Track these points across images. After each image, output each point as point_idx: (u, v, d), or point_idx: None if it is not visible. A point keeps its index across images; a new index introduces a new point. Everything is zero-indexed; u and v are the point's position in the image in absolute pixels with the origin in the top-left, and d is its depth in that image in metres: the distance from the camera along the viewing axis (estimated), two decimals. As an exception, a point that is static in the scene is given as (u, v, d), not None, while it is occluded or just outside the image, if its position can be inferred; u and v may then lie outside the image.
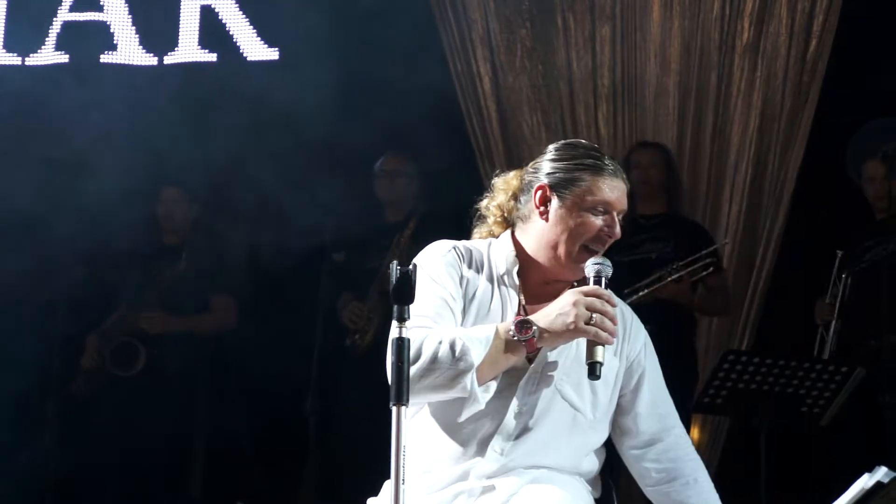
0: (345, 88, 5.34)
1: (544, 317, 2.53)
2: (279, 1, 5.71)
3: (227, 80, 5.77)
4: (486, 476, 2.59)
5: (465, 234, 2.80)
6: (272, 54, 5.91)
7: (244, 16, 5.90)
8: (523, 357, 2.55)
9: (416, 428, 2.62)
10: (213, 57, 5.94)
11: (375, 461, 2.69)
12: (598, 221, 2.63)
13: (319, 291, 5.16)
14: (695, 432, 5.43)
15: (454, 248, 2.68)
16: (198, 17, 5.92)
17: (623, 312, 2.71)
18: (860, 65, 5.17)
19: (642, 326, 2.77)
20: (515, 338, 2.50)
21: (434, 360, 2.49)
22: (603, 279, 2.56)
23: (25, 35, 5.89)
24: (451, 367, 2.47)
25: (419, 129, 5.22)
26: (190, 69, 5.86)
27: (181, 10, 5.92)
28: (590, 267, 2.58)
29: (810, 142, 5.45)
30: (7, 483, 4.88)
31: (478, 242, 2.74)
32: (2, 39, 5.98)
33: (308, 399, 4.99)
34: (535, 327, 2.51)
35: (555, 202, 2.64)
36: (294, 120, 5.14)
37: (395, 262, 2.42)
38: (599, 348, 2.50)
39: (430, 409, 2.64)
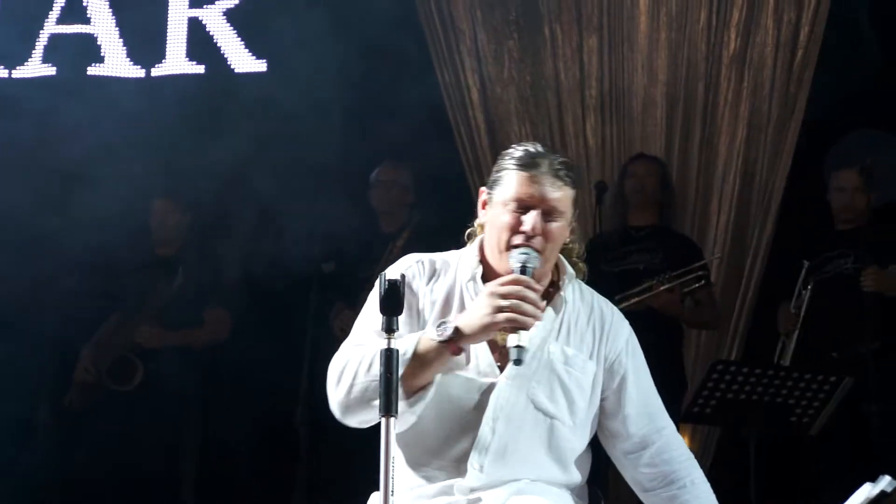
0: (335, 100, 5.34)
1: (465, 315, 2.52)
2: (267, 13, 5.70)
3: (221, 92, 5.77)
4: (469, 490, 2.58)
5: (458, 244, 2.80)
6: (260, 66, 5.91)
7: (231, 27, 5.90)
8: (448, 359, 2.50)
9: (399, 443, 2.61)
10: (201, 69, 5.94)
11: (365, 473, 2.68)
12: (509, 218, 2.58)
13: (309, 302, 5.16)
14: (685, 441, 5.42)
15: (415, 263, 2.68)
16: (185, 29, 5.91)
17: (602, 312, 2.69)
18: (846, 75, 5.18)
19: (625, 325, 2.74)
20: (439, 338, 2.49)
21: (348, 369, 2.52)
22: (529, 268, 2.52)
23: (12, 47, 5.88)
24: (373, 378, 2.46)
25: (409, 140, 5.24)
26: (185, 80, 5.85)
27: (168, 23, 5.91)
28: (514, 257, 2.55)
29: (797, 152, 5.46)
30: (4, 492, 4.86)
31: (450, 254, 2.74)
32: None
33: (298, 410, 4.99)
34: (450, 325, 2.49)
35: (490, 204, 2.65)
36: (287, 132, 5.14)
37: (383, 272, 2.43)
38: (517, 334, 2.46)
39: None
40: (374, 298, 2.62)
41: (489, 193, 2.64)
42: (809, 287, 4.87)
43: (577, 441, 2.67)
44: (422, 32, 5.78)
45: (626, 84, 5.71)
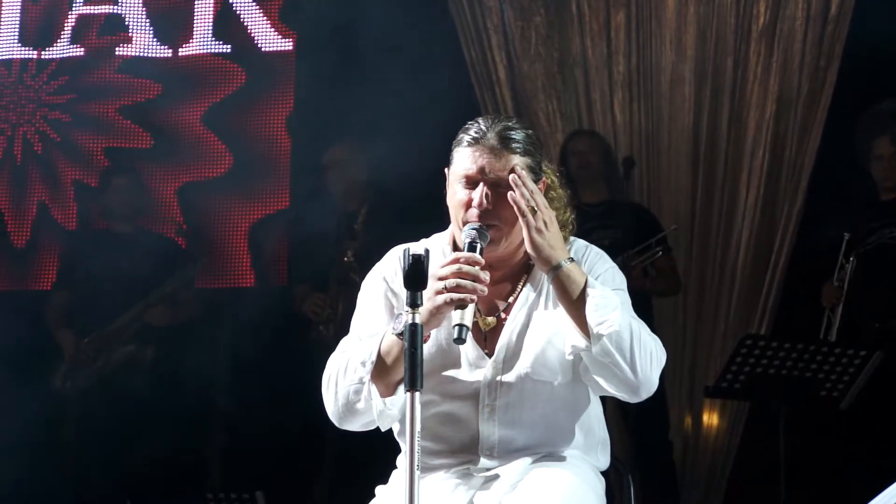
0: (358, 78, 5.34)
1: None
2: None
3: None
4: (486, 469, 2.56)
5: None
6: (287, 45, 5.92)
7: (258, 7, 5.91)
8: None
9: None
10: (227, 48, 5.95)
11: (387, 450, 2.70)
12: (462, 195, 2.52)
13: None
14: (713, 418, 5.43)
15: (398, 257, 2.60)
16: (212, 8, 5.93)
17: (578, 257, 2.60)
18: (876, 48, 5.13)
19: (603, 261, 2.62)
20: (395, 332, 2.45)
21: (332, 379, 2.52)
22: (478, 245, 2.46)
23: (40, 28, 5.91)
24: (351, 383, 2.47)
25: (434, 115, 5.22)
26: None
27: (195, 2, 5.93)
28: (464, 233, 2.50)
29: (827, 126, 5.42)
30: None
31: (435, 238, 2.68)
32: (17, 33, 6.02)
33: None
34: (403, 315, 2.41)
35: (448, 184, 2.59)
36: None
37: (406, 247, 2.42)
38: (458, 312, 2.39)
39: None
40: (361, 300, 2.62)
41: (447, 173, 2.59)
42: (852, 259, 4.81)
43: (578, 398, 2.59)
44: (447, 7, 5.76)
45: (653, 60, 5.68)
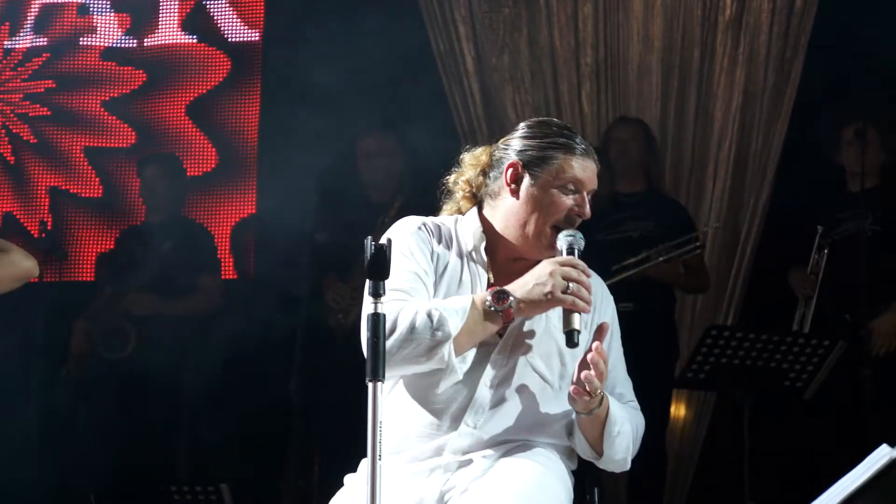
0: (328, 68, 5.32)
1: (521, 286, 2.53)
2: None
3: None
4: (461, 451, 2.59)
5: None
6: (254, 35, 5.89)
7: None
8: (496, 327, 2.54)
9: (391, 404, 2.62)
10: (193, 39, 5.92)
11: (357, 439, 2.69)
12: (568, 201, 2.61)
13: (305, 272, 5.16)
14: (681, 409, 5.45)
15: (423, 224, 2.68)
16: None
17: (595, 284, 2.68)
18: (843, 36, 5.15)
19: (612, 301, 2.76)
20: (492, 308, 2.50)
21: (412, 330, 2.49)
22: (576, 251, 2.56)
23: (4, 18, 5.86)
24: (429, 337, 2.48)
25: (403, 108, 5.22)
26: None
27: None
28: (562, 239, 2.58)
29: (793, 117, 5.45)
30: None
31: (445, 219, 2.73)
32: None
33: (292, 378, 5.01)
34: (511, 297, 2.51)
35: (526, 180, 2.63)
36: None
37: (368, 237, 2.42)
38: (576, 316, 2.50)
39: (403, 384, 2.63)
40: (406, 246, 2.63)
41: (531, 171, 2.62)
42: (826, 251, 4.82)
43: (562, 405, 2.66)
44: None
45: (621, 51, 5.68)
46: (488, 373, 2.59)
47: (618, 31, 5.68)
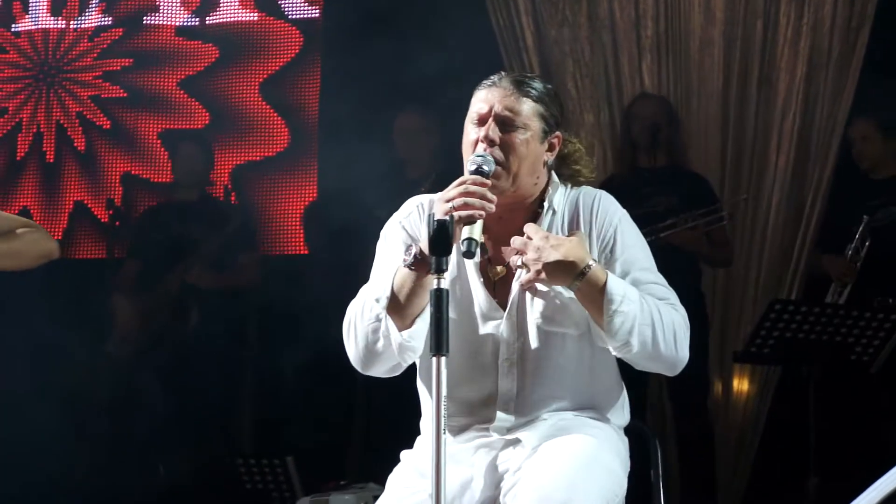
0: (386, 47, 5.33)
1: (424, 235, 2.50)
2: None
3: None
4: (504, 430, 2.57)
5: None
6: (313, 13, 5.91)
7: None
8: (425, 280, 2.44)
9: (421, 387, 2.64)
10: (253, 16, 5.95)
11: (414, 415, 2.70)
12: (474, 134, 2.55)
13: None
14: (744, 383, 5.42)
15: (416, 208, 2.65)
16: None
17: (588, 204, 2.60)
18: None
19: (615, 210, 2.62)
20: (405, 264, 2.47)
21: (352, 323, 2.53)
22: (485, 171, 2.47)
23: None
24: (369, 322, 2.49)
25: (462, 83, 5.19)
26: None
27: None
28: (469, 160, 2.52)
29: (858, 87, 5.37)
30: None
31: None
32: (48, 4, 6.06)
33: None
34: (412, 247, 2.47)
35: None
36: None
37: (431, 213, 2.42)
38: (466, 228, 2.40)
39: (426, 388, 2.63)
40: (381, 249, 2.63)
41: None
42: (868, 241, 4.78)
43: (596, 348, 2.57)
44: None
45: (682, 23, 5.62)
46: (503, 354, 2.55)
47: (679, 2, 5.63)
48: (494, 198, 2.45)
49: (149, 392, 5.33)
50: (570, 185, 2.67)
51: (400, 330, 2.48)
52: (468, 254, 2.40)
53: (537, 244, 2.46)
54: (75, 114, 6.09)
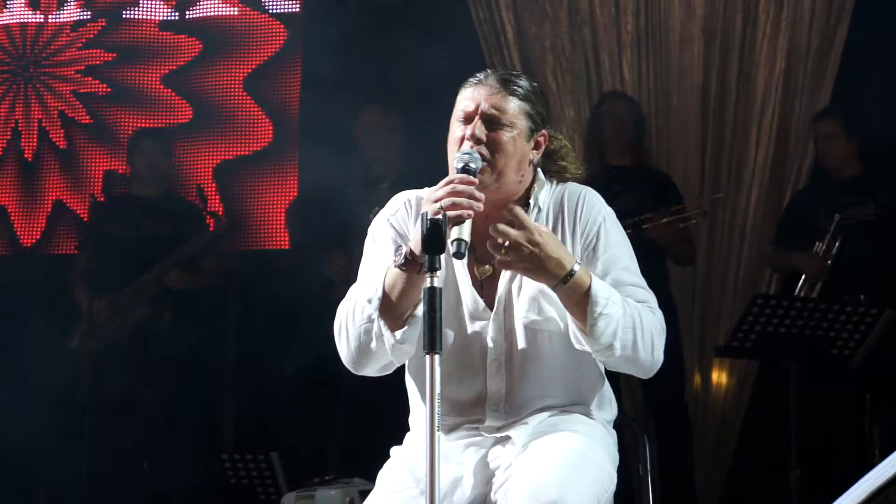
0: (368, 43, 5.32)
1: (413, 233, 2.51)
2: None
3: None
4: (494, 429, 2.58)
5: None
6: (294, 6, 5.89)
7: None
8: (417, 279, 2.42)
9: (410, 385, 2.65)
10: (234, 10, 5.93)
11: (401, 412, 2.71)
12: (458, 131, 2.55)
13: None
14: (722, 376, 5.45)
15: (403, 204, 2.64)
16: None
17: (572, 202, 2.60)
18: (886, 4, 5.11)
19: (600, 207, 2.61)
20: (395, 264, 2.47)
21: (343, 324, 2.53)
22: (471, 168, 2.47)
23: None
24: (361, 323, 2.48)
25: (445, 77, 5.20)
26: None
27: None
28: (456, 158, 2.51)
29: (836, 83, 5.41)
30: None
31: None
32: (25, -2, 6.02)
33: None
34: (402, 248, 2.46)
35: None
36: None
37: (424, 213, 2.41)
38: (456, 228, 2.39)
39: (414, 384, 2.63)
40: (368, 246, 2.64)
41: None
42: (839, 239, 4.81)
43: (578, 345, 2.56)
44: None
45: (662, 18, 5.65)
46: (491, 354, 2.56)
47: (658, -2, 5.66)
48: (482, 196, 2.45)
49: (126, 390, 5.31)
50: (555, 182, 2.67)
51: (392, 330, 2.48)
52: (458, 255, 2.39)
53: (525, 237, 2.41)
54: (56, 110, 6.04)
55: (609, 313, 2.43)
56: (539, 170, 2.65)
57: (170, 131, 5.80)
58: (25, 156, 5.99)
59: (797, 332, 4.25)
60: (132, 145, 5.61)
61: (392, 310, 2.47)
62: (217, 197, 5.80)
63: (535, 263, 2.41)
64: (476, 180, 2.46)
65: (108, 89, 5.98)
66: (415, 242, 2.42)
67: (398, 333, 2.48)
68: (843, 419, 4.72)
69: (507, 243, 2.41)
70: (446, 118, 2.61)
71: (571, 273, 2.42)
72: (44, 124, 6.02)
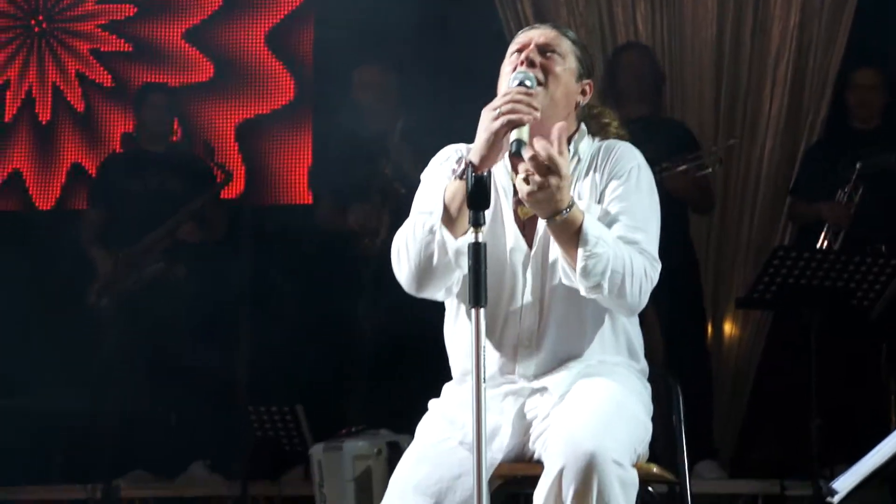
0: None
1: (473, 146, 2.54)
2: None
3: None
4: (531, 376, 2.60)
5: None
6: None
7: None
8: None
9: (450, 335, 2.67)
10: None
11: (439, 363, 2.74)
12: (511, 64, 2.63)
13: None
14: (735, 328, 5.49)
15: (454, 152, 2.69)
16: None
17: (608, 149, 2.66)
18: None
19: (632, 155, 2.67)
20: (455, 175, 2.53)
21: (403, 244, 2.55)
22: (528, 84, 2.54)
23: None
24: (422, 236, 2.51)
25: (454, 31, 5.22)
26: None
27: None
28: (512, 77, 2.57)
29: (851, 34, 5.41)
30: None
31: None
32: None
33: (360, 303, 5.04)
34: (462, 161, 2.53)
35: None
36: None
37: (469, 166, 2.43)
38: (515, 130, 2.46)
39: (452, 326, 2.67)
40: (425, 180, 2.68)
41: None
42: (861, 187, 4.83)
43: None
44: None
45: (676, -31, 5.65)
46: (528, 289, 2.59)
47: (673, -51, 5.64)
48: (539, 105, 2.51)
49: (143, 345, 5.34)
50: (597, 138, 2.72)
51: (456, 237, 2.51)
52: (517, 154, 2.46)
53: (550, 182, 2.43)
54: (73, 69, 5.97)
55: (599, 252, 2.46)
56: (582, 123, 2.69)
57: (179, 89, 5.77)
58: (41, 119, 5.94)
59: (817, 284, 4.28)
60: (138, 100, 5.61)
61: (454, 220, 2.51)
62: (239, 157, 5.79)
63: (547, 194, 2.44)
64: (533, 92, 2.53)
65: (130, 47, 5.93)
66: (474, 151, 2.47)
67: (462, 240, 2.50)
68: (862, 370, 4.77)
69: (544, 160, 2.42)
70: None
71: (569, 207, 2.47)
72: (59, 86, 5.95)
